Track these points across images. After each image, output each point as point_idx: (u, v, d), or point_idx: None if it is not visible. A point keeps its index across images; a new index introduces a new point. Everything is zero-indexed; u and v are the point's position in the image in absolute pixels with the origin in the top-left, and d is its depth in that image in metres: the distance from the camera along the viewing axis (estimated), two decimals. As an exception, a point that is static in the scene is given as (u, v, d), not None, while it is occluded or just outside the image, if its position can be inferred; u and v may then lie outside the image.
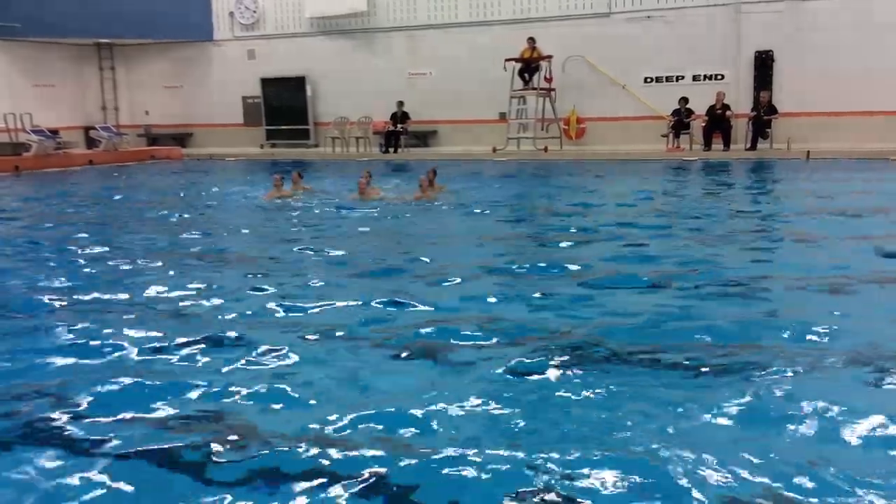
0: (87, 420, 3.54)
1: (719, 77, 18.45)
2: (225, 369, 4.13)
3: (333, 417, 3.46)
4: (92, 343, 4.68)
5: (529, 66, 19.20)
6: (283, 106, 22.60)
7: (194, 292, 5.87)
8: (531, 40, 19.04)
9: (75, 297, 5.82)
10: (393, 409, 3.54)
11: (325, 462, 3.05)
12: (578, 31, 19.41)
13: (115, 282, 6.29)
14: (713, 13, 18.37)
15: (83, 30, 21.95)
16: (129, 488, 2.92)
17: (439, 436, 3.26)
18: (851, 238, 7.67)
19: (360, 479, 2.90)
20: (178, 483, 2.93)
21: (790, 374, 3.88)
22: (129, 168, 19.48)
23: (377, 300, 5.50)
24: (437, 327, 4.83)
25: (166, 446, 3.24)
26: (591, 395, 3.67)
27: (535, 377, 3.91)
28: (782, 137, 17.07)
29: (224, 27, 23.44)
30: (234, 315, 5.20)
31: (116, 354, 4.44)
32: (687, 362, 4.09)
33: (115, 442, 3.28)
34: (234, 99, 23.25)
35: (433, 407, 3.54)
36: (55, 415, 3.59)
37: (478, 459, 3.00)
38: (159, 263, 7.04)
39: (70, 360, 4.37)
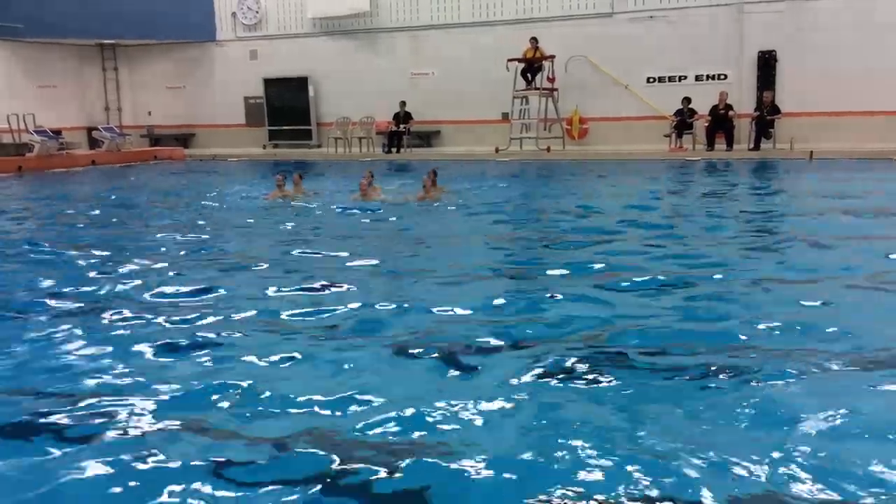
0: (93, 418, 3.54)
1: (722, 77, 18.45)
2: (227, 370, 4.13)
3: (338, 418, 3.47)
4: (94, 343, 4.68)
5: (532, 66, 19.20)
6: (286, 106, 22.62)
7: (196, 292, 5.86)
8: (534, 40, 19.04)
9: (77, 296, 5.82)
10: (395, 413, 3.53)
11: (331, 464, 3.04)
12: (581, 31, 19.41)
13: (117, 281, 6.28)
14: (716, 13, 18.36)
15: (86, 30, 22.00)
16: (135, 484, 2.93)
17: (446, 438, 3.24)
18: (863, 238, 7.65)
19: (365, 482, 2.89)
20: (193, 483, 2.93)
21: (800, 374, 3.86)
22: (132, 168, 19.49)
23: (380, 301, 5.49)
24: (444, 329, 4.83)
25: (177, 446, 3.24)
26: (602, 397, 3.66)
27: (543, 379, 3.90)
28: (785, 137, 17.06)
29: (226, 27, 23.46)
30: (237, 316, 5.20)
31: (119, 354, 4.43)
32: (696, 363, 4.07)
33: (119, 441, 3.29)
34: (237, 99, 23.28)
35: (438, 410, 3.53)
36: (61, 412, 3.60)
37: (487, 463, 2.99)
38: (159, 263, 7.02)
39: (73, 361, 4.36)
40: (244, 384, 3.88)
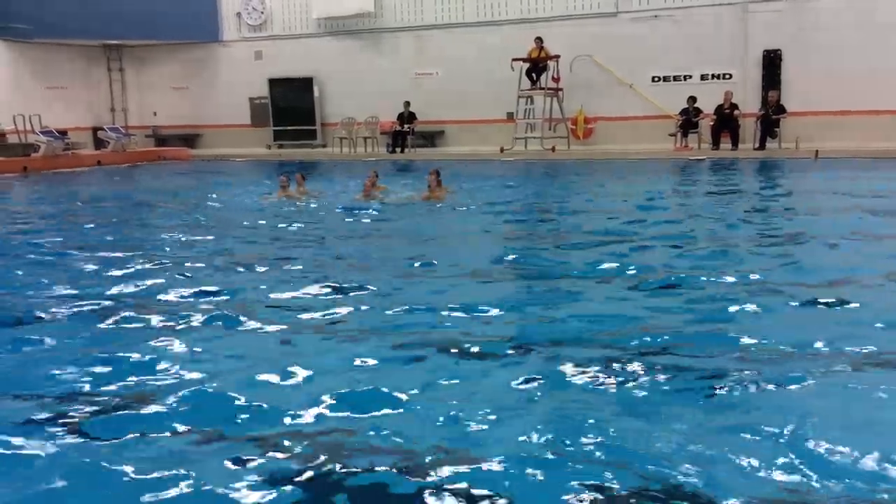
0: (102, 418, 3.56)
1: (727, 76, 18.42)
2: (235, 372, 4.14)
3: (344, 420, 3.47)
4: (100, 343, 4.71)
5: (537, 65, 19.20)
6: (291, 106, 22.63)
7: (200, 294, 5.87)
8: (538, 40, 19.04)
9: (83, 297, 5.83)
10: (402, 410, 3.55)
11: (338, 465, 3.05)
12: (586, 31, 19.40)
13: (122, 282, 6.31)
14: (720, 12, 18.34)
15: (92, 32, 22.05)
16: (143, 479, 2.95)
17: (451, 441, 3.24)
18: (874, 237, 7.65)
19: (375, 484, 2.90)
20: (206, 482, 2.95)
21: (811, 375, 3.86)
22: (137, 169, 19.54)
23: (387, 301, 5.51)
24: (453, 329, 4.82)
25: (191, 447, 3.25)
26: (616, 397, 3.65)
27: (553, 379, 3.89)
28: (790, 137, 17.03)
29: (231, 28, 23.50)
30: (243, 316, 5.20)
31: (123, 353, 4.44)
32: (707, 366, 4.05)
33: (129, 440, 3.31)
34: (242, 100, 23.31)
35: (444, 411, 3.54)
36: (71, 410, 3.62)
37: (501, 465, 3.00)
38: (162, 264, 7.04)
39: (79, 361, 4.36)
40: (253, 385, 3.89)
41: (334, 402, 3.65)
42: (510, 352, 4.36)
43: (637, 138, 18.69)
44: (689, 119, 17.99)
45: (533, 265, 6.85)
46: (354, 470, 2.99)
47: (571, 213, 10.03)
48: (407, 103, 20.53)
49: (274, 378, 4.01)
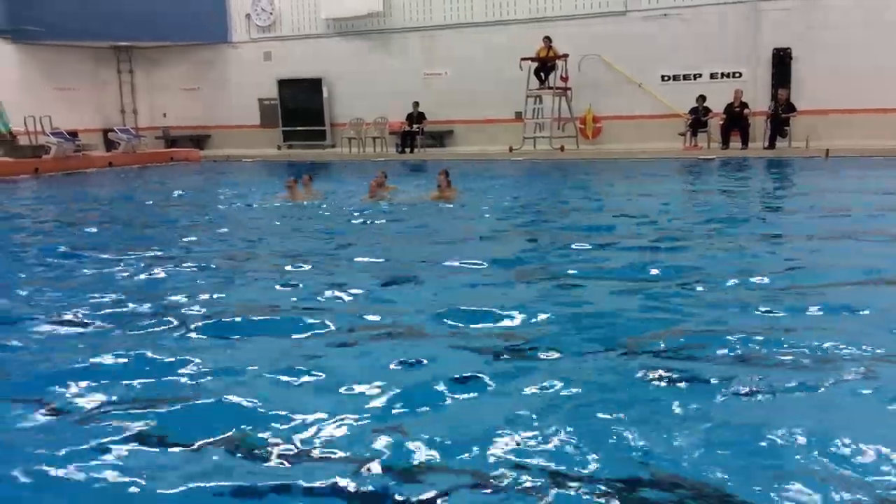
0: (115, 415, 3.58)
1: (737, 75, 18.35)
2: (235, 374, 4.12)
3: (352, 423, 3.45)
4: (107, 343, 4.71)
5: (545, 65, 19.18)
6: (300, 107, 22.70)
7: (210, 293, 5.90)
8: (547, 39, 19.02)
9: (84, 297, 5.86)
10: (408, 409, 3.56)
11: (351, 470, 3.06)
12: (594, 30, 19.37)
13: (128, 282, 6.35)
14: (730, 10, 18.28)
15: (101, 33, 22.16)
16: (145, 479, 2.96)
17: (457, 443, 3.23)
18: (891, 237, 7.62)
19: (387, 487, 2.91)
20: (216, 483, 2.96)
21: (828, 377, 3.85)
22: (148, 170, 19.62)
23: (391, 303, 5.52)
24: (465, 332, 4.81)
25: (202, 449, 3.26)
26: (632, 404, 3.61)
27: (563, 381, 3.87)
28: (800, 135, 16.96)
29: (241, 29, 23.57)
30: (246, 319, 5.21)
31: (129, 354, 4.46)
32: (723, 366, 4.02)
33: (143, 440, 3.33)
34: (251, 101, 23.39)
35: (451, 413, 3.54)
36: (88, 407, 3.64)
37: (514, 468, 3.00)
38: (165, 264, 7.07)
39: (88, 361, 4.37)
40: (254, 388, 3.87)
41: (339, 405, 3.63)
42: (523, 352, 4.35)
43: (646, 138, 18.66)
44: (698, 118, 17.95)
45: (543, 265, 6.83)
46: (368, 473, 2.98)
47: (581, 213, 10.00)
48: (416, 103, 20.55)
49: (278, 381, 3.98)
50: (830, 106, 17.18)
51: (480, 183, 13.10)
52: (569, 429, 3.30)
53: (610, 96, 19.30)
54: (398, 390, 3.80)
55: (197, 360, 4.31)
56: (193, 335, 4.84)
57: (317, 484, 2.93)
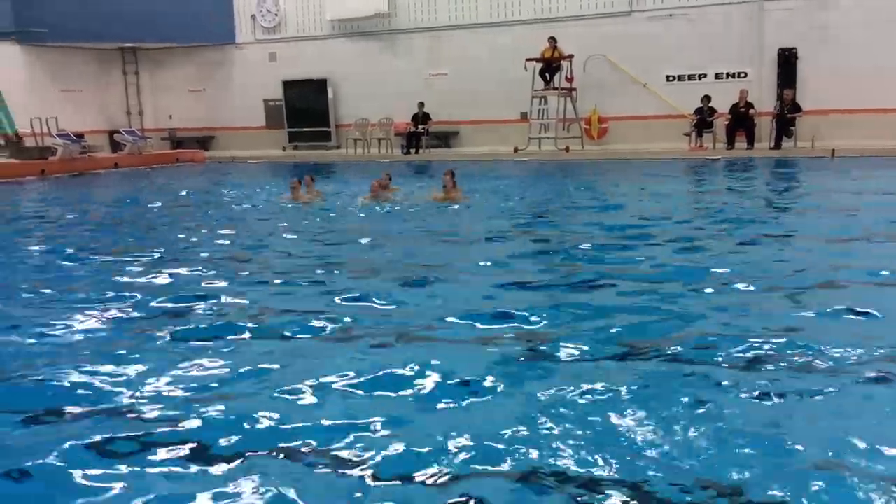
0: (116, 417, 3.59)
1: (742, 75, 18.34)
2: (236, 377, 4.12)
3: (362, 425, 3.44)
4: (113, 342, 4.73)
5: (550, 65, 19.18)
6: (305, 108, 22.72)
7: (216, 293, 5.91)
8: (552, 40, 19.03)
9: (83, 298, 5.88)
10: (413, 410, 3.56)
11: (358, 475, 3.06)
12: (599, 31, 19.37)
13: (133, 284, 6.37)
14: (735, 11, 18.27)
15: (107, 35, 22.22)
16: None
17: (465, 446, 3.22)
18: None
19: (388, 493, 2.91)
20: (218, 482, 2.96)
21: (840, 378, 3.84)
22: (154, 171, 19.65)
23: (406, 304, 5.51)
24: (474, 334, 4.81)
25: (204, 450, 3.26)
26: (646, 405, 3.59)
27: (574, 387, 3.86)
28: (805, 135, 16.93)
29: (246, 30, 23.61)
30: (260, 319, 5.23)
31: (135, 353, 4.46)
32: (738, 369, 4.01)
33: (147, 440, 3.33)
34: (256, 102, 23.42)
35: (456, 416, 3.54)
36: (75, 417, 3.65)
37: (526, 470, 3.00)
38: (166, 265, 7.09)
39: (89, 361, 4.37)
40: (255, 392, 3.87)
41: (343, 409, 3.62)
42: (534, 354, 4.35)
43: (651, 138, 18.65)
44: (703, 118, 17.93)
45: (551, 267, 6.83)
46: (375, 482, 2.97)
47: (588, 214, 9.98)
48: (421, 104, 20.56)
49: (283, 383, 3.96)
50: (837, 106, 17.16)
51: (486, 184, 13.09)
52: (582, 430, 3.30)
53: (615, 97, 19.29)
54: (407, 392, 3.80)
55: (202, 362, 4.30)
56: (198, 336, 4.83)
57: (325, 489, 2.93)
